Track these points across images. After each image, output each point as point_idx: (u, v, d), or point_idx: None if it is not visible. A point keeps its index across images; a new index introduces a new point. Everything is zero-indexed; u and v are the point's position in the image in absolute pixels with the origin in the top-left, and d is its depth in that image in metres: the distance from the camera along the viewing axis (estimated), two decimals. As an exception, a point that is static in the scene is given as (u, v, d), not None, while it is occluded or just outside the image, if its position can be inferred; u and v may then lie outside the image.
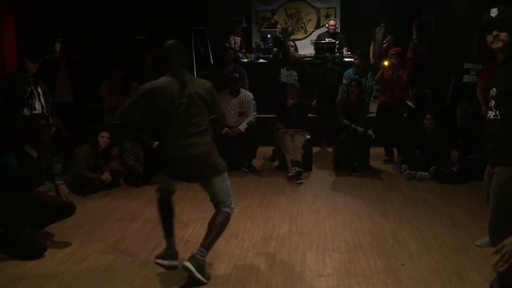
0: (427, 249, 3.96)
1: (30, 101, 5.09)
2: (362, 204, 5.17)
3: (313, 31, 10.32)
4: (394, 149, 6.95)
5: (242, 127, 6.42)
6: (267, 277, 3.51)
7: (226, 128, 6.37)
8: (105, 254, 3.94)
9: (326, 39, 8.78)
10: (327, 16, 10.21)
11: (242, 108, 6.56)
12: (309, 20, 10.41)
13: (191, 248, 4.02)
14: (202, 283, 3.31)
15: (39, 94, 5.22)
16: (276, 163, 6.79)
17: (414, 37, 7.70)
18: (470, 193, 5.39)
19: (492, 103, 2.84)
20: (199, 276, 3.28)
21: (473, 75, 6.24)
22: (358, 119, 6.43)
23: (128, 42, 8.46)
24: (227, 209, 3.50)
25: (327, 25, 9.18)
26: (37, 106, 5.18)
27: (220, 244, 4.09)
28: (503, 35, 2.78)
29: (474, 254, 3.83)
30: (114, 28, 8.88)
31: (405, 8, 8.59)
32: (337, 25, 9.11)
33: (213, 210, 4.91)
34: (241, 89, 6.63)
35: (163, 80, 3.40)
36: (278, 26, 9.53)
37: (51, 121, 5.29)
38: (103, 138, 5.67)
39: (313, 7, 10.36)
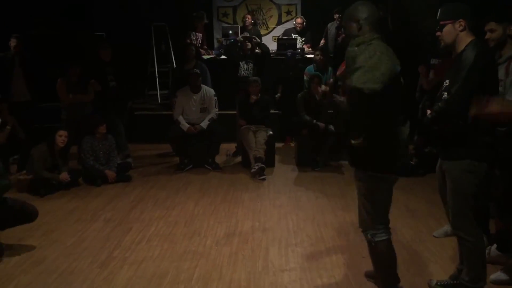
0: (387, 241, 4.05)
1: None
2: (324, 198, 5.23)
3: (274, 27, 10.36)
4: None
5: (204, 124, 6.38)
6: (231, 273, 3.51)
7: (188, 125, 6.34)
8: (64, 255, 3.84)
9: (293, 35, 8.82)
10: (288, 13, 10.27)
11: (203, 105, 6.52)
12: (271, 16, 10.45)
13: (154, 246, 3.98)
14: None
15: None
16: (239, 159, 6.79)
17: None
18: (427, 186, 5.54)
19: (444, 95, 2.91)
20: None
21: None
22: (320, 115, 6.50)
23: (85, 38, 8.24)
24: None
25: (294, 22, 9.19)
26: None
27: (182, 242, 4.08)
28: (445, 30, 2.89)
29: (431, 245, 3.95)
30: (70, 24, 8.63)
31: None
32: (304, 23, 9.09)
33: (175, 207, 4.96)
34: (203, 85, 6.58)
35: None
36: (248, 18, 9.28)
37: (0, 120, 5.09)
38: (61, 137, 5.52)
39: (274, 3, 10.40)
